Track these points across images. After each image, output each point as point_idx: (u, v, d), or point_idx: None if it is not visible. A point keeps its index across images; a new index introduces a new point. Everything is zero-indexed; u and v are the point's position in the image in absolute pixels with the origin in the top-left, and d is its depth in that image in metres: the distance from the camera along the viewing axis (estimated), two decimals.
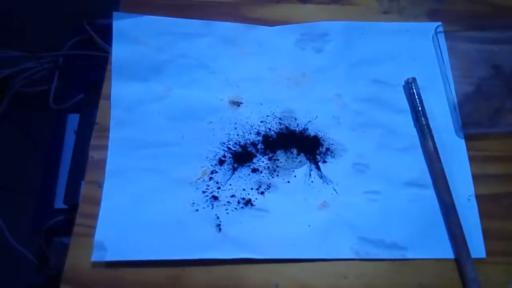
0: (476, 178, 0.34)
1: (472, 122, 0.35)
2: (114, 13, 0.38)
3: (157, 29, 0.38)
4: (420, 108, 0.36)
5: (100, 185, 0.35)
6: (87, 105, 0.86)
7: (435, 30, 0.38)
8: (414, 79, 0.36)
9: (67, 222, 0.85)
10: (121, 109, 0.36)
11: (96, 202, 0.34)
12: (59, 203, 0.87)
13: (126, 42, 0.38)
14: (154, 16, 0.39)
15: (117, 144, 0.36)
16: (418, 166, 0.35)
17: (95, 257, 0.32)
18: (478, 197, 0.34)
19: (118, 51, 0.37)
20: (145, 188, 0.34)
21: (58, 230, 0.89)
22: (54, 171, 0.91)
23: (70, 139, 0.92)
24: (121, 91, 0.37)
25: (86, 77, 0.93)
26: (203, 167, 0.35)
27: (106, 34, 1.03)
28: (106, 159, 0.35)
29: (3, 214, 1.08)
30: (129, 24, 0.38)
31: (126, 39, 0.38)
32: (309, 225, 0.33)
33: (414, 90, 0.36)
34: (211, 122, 0.37)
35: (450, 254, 0.32)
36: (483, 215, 0.33)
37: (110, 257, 0.32)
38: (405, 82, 0.37)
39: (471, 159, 0.35)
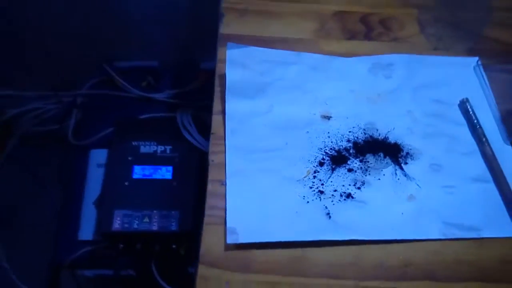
0: None
1: None
2: (228, 44, 0.46)
3: (260, 57, 0.47)
4: (475, 121, 0.45)
5: (222, 183, 0.41)
6: (116, 139, 0.91)
7: (476, 62, 0.49)
8: (467, 99, 0.46)
9: (93, 253, 0.87)
10: (234, 121, 0.43)
11: (220, 197, 0.40)
12: (85, 235, 0.89)
13: (236, 67, 0.45)
14: (257, 47, 0.47)
15: (233, 150, 0.42)
16: (479, 166, 0.44)
17: (230, 240, 0.37)
18: None
19: (231, 74, 0.45)
20: (262, 184, 0.41)
21: (81, 263, 0.90)
22: (77, 205, 0.93)
23: (93, 173, 0.96)
24: (233, 106, 0.44)
25: (107, 115, 0.99)
26: (307, 167, 0.42)
27: (126, 75, 1.10)
28: (225, 162, 0.42)
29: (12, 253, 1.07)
30: (240, 53, 0.46)
31: (236, 64, 0.46)
32: (402, 213, 0.40)
33: (469, 107, 0.46)
34: (308, 132, 0.44)
35: None
36: None
37: (241, 239, 0.37)
38: (460, 101, 0.47)
39: None
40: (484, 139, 0.44)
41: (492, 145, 0.44)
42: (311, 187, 0.41)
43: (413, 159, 0.44)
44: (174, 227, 0.80)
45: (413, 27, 0.52)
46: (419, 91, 0.48)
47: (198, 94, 1.01)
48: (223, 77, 0.46)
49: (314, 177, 0.42)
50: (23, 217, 1.10)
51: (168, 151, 0.88)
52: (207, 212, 0.40)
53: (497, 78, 0.48)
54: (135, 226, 0.80)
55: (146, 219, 0.81)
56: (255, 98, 0.45)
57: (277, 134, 0.44)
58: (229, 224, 0.38)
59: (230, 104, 0.44)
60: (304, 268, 0.38)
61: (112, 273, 0.89)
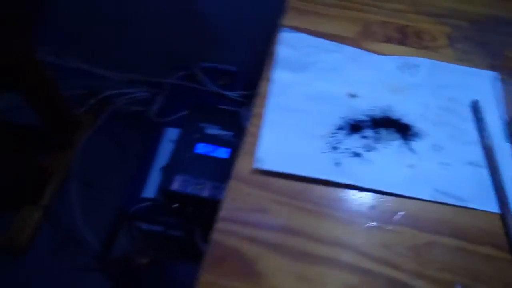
0: None
1: None
2: (284, 28, 0.59)
3: (308, 42, 0.59)
4: (481, 117, 0.52)
5: (259, 127, 0.52)
6: (188, 121, 1.07)
7: (494, 76, 0.57)
8: (478, 101, 0.54)
9: (151, 209, 1.02)
10: (277, 86, 0.55)
11: (255, 136, 0.51)
12: (148, 193, 1.05)
13: (287, 47, 0.58)
14: (306, 35, 0.60)
15: (272, 106, 0.54)
16: (476, 154, 0.51)
17: (256, 165, 0.49)
18: None
19: (282, 51, 0.58)
20: (289, 132, 0.52)
21: (140, 216, 1.05)
22: (146, 168, 1.10)
23: (166, 147, 1.13)
24: (279, 76, 0.56)
25: (188, 101, 1.16)
26: (327, 129, 0.53)
27: (207, 74, 1.28)
28: (264, 113, 0.53)
29: (87, 205, 1.26)
30: (292, 37, 0.59)
31: (287, 45, 0.58)
32: (400, 175, 0.49)
33: (479, 107, 0.53)
34: (335, 104, 0.55)
35: (497, 209, 0.47)
36: None
37: (265, 166, 0.49)
38: (471, 102, 0.55)
39: None
40: (486, 134, 0.51)
41: (494, 141, 0.51)
42: (327, 143, 0.51)
43: (419, 138, 0.52)
44: (222, 196, 0.92)
45: (443, 41, 0.61)
46: (437, 90, 0.56)
47: None
48: (274, 55, 0.58)
49: (333, 136, 0.52)
50: (104, 178, 1.29)
51: (229, 136, 1.03)
52: (244, 145, 0.51)
53: (511, 92, 0.56)
54: (189, 190, 0.94)
55: (200, 186, 0.95)
56: (298, 72, 0.57)
57: (309, 101, 0.55)
58: (258, 153, 0.50)
59: (277, 73, 0.56)
60: (309, 197, 0.48)
61: (162, 230, 1.04)
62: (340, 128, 0.53)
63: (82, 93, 1.42)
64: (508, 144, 0.52)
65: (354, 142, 0.52)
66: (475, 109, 0.54)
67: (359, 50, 0.59)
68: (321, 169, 0.49)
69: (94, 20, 1.29)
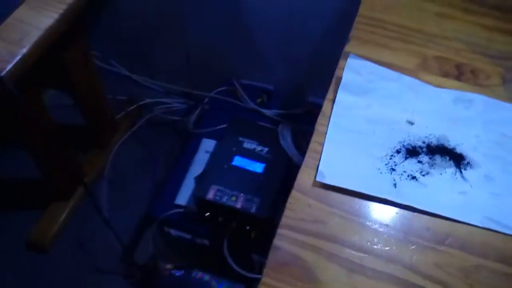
0: None
1: None
2: (351, 54, 0.63)
3: (370, 69, 0.63)
4: None
5: (321, 144, 0.56)
6: (227, 133, 1.11)
7: None
8: None
9: (182, 216, 1.05)
10: (340, 108, 0.59)
11: (317, 152, 0.55)
12: (181, 200, 1.08)
13: (352, 72, 0.62)
14: (371, 62, 0.63)
15: (334, 125, 0.57)
16: None
17: (318, 178, 0.52)
18: None
19: (347, 76, 0.62)
20: (350, 151, 0.55)
21: (170, 222, 1.08)
22: (180, 176, 1.13)
23: (201, 157, 1.16)
24: (342, 98, 0.60)
25: (223, 116, 1.20)
26: (386, 151, 0.56)
27: (247, 90, 1.33)
28: (326, 131, 0.57)
29: (119, 206, 1.29)
30: (357, 63, 0.63)
31: (352, 70, 0.62)
32: (452, 201, 0.52)
33: None
34: (393, 128, 0.58)
35: None
36: None
37: (327, 180, 0.52)
38: None
39: None
40: None
41: None
42: (386, 164, 0.54)
43: (472, 168, 0.55)
44: (253, 209, 0.95)
45: (497, 80, 0.64)
46: (489, 124, 0.59)
47: (299, 118, 1.19)
48: (339, 78, 0.62)
49: (390, 158, 0.55)
50: (134, 183, 1.33)
51: (265, 151, 1.06)
52: (306, 159, 0.55)
53: None
54: (224, 200, 0.97)
55: (233, 198, 0.98)
56: (359, 96, 0.60)
57: (369, 124, 0.58)
58: (320, 167, 0.53)
59: (340, 96, 0.60)
60: (366, 214, 0.51)
61: (190, 238, 1.06)
62: (398, 152, 0.56)
63: (122, 99, 1.47)
64: None
65: (411, 165, 0.55)
66: None
67: (417, 81, 0.63)
68: (379, 188, 0.52)
69: (141, 29, 1.35)
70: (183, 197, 1.08)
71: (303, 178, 0.53)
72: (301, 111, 1.24)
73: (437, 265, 0.47)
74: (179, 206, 1.06)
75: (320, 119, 0.59)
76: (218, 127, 1.20)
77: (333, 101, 0.60)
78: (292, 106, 1.24)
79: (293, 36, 1.20)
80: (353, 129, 0.57)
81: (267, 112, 1.24)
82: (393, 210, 0.51)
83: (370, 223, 0.50)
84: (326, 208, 0.51)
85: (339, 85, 0.61)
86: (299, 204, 0.51)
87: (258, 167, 1.03)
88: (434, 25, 0.70)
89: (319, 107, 0.60)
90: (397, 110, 0.60)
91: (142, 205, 1.29)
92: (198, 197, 1.00)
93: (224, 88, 1.31)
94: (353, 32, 0.69)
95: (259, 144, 1.07)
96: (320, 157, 0.54)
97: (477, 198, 0.52)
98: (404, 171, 0.54)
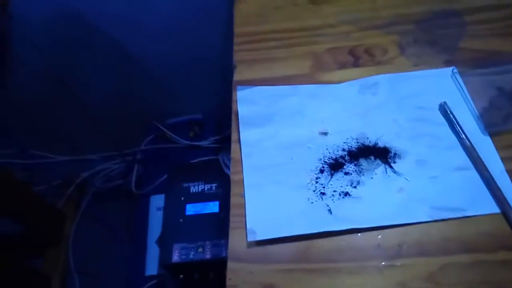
0: (502, 159, 0.49)
1: (492, 124, 0.51)
2: (238, 86, 0.58)
3: (264, 93, 0.58)
4: (454, 119, 0.52)
5: (242, 195, 0.51)
6: (170, 184, 1.04)
7: (452, 71, 0.56)
8: (445, 102, 0.54)
9: (160, 284, 0.98)
10: (249, 146, 0.54)
11: (241, 206, 0.50)
12: (150, 270, 1.02)
13: (246, 104, 0.57)
14: (261, 86, 0.58)
15: (249, 168, 0.52)
16: (460, 157, 0.50)
17: (250, 238, 0.47)
18: (507, 171, 0.48)
19: (242, 110, 0.56)
20: (274, 192, 0.50)
21: None
22: (142, 244, 1.06)
23: (154, 216, 1.10)
24: (247, 135, 0.55)
25: (163, 165, 1.14)
26: (309, 175, 0.51)
27: (175, 129, 1.26)
28: (243, 179, 0.52)
29: None
30: (247, 92, 0.58)
31: (246, 101, 0.57)
32: (393, 203, 0.48)
33: (447, 109, 0.53)
34: (309, 147, 0.53)
35: (497, 210, 0.46)
36: None
37: (259, 237, 0.47)
38: (439, 105, 0.54)
39: (496, 147, 0.50)
40: (462, 134, 0.51)
41: (471, 138, 0.51)
42: (314, 191, 0.50)
43: (400, 158, 0.51)
44: (225, 253, 0.90)
45: (394, 51, 0.61)
46: (402, 102, 0.56)
47: None
48: (237, 114, 0.57)
49: (316, 182, 0.51)
50: (103, 265, 1.25)
51: (214, 188, 1.00)
52: (232, 219, 0.50)
53: (472, 82, 0.55)
54: (191, 256, 0.91)
55: (200, 249, 0.92)
56: (263, 126, 0.55)
57: (283, 152, 0.53)
58: (249, 225, 0.48)
59: (244, 133, 0.55)
60: (311, 255, 0.46)
61: None
62: (321, 171, 0.52)
63: (58, 184, 1.38)
64: (487, 137, 0.51)
65: (339, 181, 0.50)
66: (444, 111, 0.53)
67: (315, 86, 0.59)
68: (316, 222, 0.47)
69: (42, 109, 1.26)
70: (152, 266, 1.02)
71: (235, 243, 0.48)
72: None
73: (401, 284, 0.43)
74: (151, 278, 1.00)
75: (233, 168, 0.54)
76: (161, 179, 1.13)
77: (239, 141, 0.55)
78: (226, 127, 1.19)
79: (200, 58, 1.14)
80: (269, 164, 0.53)
81: (204, 143, 1.18)
82: (338, 240, 0.47)
83: (320, 265, 0.45)
84: (270, 267, 0.46)
85: (239, 122, 0.56)
86: (240, 275, 0.46)
87: (213, 207, 0.98)
88: (313, 15, 0.66)
89: None
90: (305, 126, 0.55)
91: (120, 286, 1.22)
92: (164, 264, 0.93)
93: (152, 136, 1.24)
94: (236, 56, 0.64)
95: (206, 183, 1.02)
96: (245, 212, 0.49)
97: (417, 190, 0.49)
98: (335, 191, 0.50)
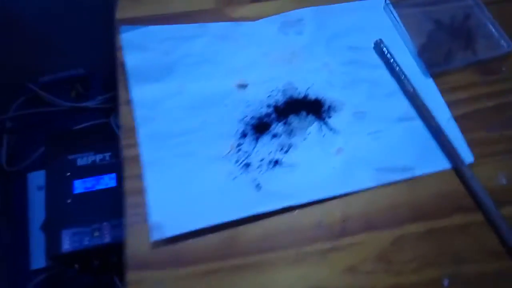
0: (448, 104, 0.42)
1: (433, 64, 0.44)
2: (122, 27, 0.42)
3: (160, 35, 0.43)
4: (393, 60, 0.44)
5: (140, 177, 0.37)
6: (50, 157, 0.85)
7: (385, 1, 0.47)
8: (381, 40, 0.45)
9: (50, 279, 0.82)
10: (144, 108, 0.40)
11: (140, 192, 0.37)
12: (37, 263, 0.84)
13: (135, 51, 0.42)
14: (156, 26, 0.44)
15: (147, 139, 0.39)
16: (402, 105, 0.42)
17: (155, 236, 0.34)
18: (455, 118, 0.42)
19: (130, 59, 0.41)
20: (183, 170, 0.38)
21: None
22: (23, 233, 0.88)
23: (34, 196, 0.91)
24: (140, 93, 0.41)
25: (41, 133, 0.93)
26: (229, 142, 0.40)
27: (51, 88, 1.04)
28: (140, 154, 0.38)
29: None
30: (136, 35, 0.43)
31: (135, 47, 0.42)
32: (333, 168, 0.39)
33: (384, 48, 0.44)
34: (226, 105, 0.41)
35: (448, 165, 0.39)
36: (461, 130, 0.41)
37: (168, 233, 0.35)
38: (374, 43, 0.45)
39: (440, 91, 0.43)
40: (403, 77, 0.43)
41: (413, 81, 0.43)
42: (236, 161, 0.39)
43: (336, 111, 0.42)
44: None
45: None
46: (332, 41, 0.46)
47: None
48: (123, 66, 0.42)
49: (239, 150, 0.39)
50: None
51: (107, 157, 0.84)
52: (128, 211, 0.36)
53: (408, 14, 0.47)
54: (86, 242, 0.76)
55: (97, 233, 0.77)
56: (162, 80, 0.41)
57: (193, 114, 0.41)
58: (152, 218, 0.35)
59: (136, 91, 0.40)
60: (237, 248, 0.35)
61: None
62: (244, 135, 0.40)
63: None
64: (429, 79, 0.44)
65: (266, 147, 0.40)
66: (381, 50, 0.45)
67: (226, 24, 0.45)
68: (241, 203, 0.36)
69: None
70: (38, 257, 0.84)
71: (135, 244, 0.35)
72: None
73: (350, 269, 0.35)
74: (38, 272, 0.83)
75: (124, 139, 0.39)
76: (39, 152, 0.93)
77: (131, 102, 0.41)
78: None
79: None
80: (174, 132, 0.40)
81: (90, 104, 0.99)
82: (271, 223, 0.37)
83: (249, 258, 0.35)
84: (186, 271, 0.34)
85: (127, 76, 0.41)
86: (146, 287, 0.34)
87: (108, 181, 0.81)
88: None
89: None
90: (218, 77, 0.43)
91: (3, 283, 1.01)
92: (52, 255, 0.77)
93: (22, 99, 1.00)
94: None
95: (97, 153, 0.84)
96: (146, 200, 0.36)
97: (357, 149, 0.40)
98: (262, 159, 0.39)
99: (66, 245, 0.75)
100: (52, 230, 0.77)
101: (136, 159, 0.38)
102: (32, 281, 0.81)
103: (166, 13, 0.46)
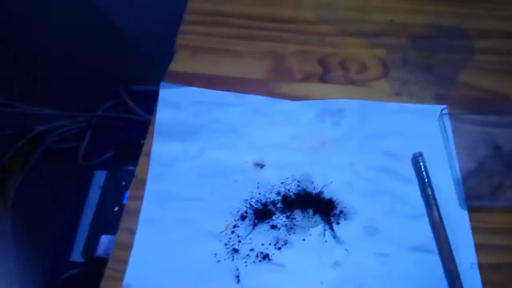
0: (478, 247, 0.37)
1: (475, 196, 0.38)
2: (162, 83, 0.45)
3: (195, 97, 0.45)
4: (426, 180, 0.39)
5: (133, 233, 0.38)
6: (115, 162, 0.92)
7: (441, 111, 0.43)
8: (421, 154, 0.41)
9: (82, 275, 0.88)
10: (159, 164, 0.41)
11: (128, 248, 0.38)
12: (76, 256, 0.91)
13: (169, 107, 0.44)
14: (194, 87, 0.45)
15: (152, 196, 0.40)
16: (424, 233, 0.38)
17: None
18: (480, 266, 0.36)
19: (162, 115, 0.43)
20: (174, 237, 0.38)
21: (73, 284, 0.91)
22: (75, 224, 0.95)
23: (95, 194, 0.98)
24: (160, 148, 0.42)
25: (116, 137, 1.01)
26: (227, 221, 0.39)
27: (141, 99, 1.12)
28: (140, 210, 0.40)
29: (19, 262, 1.11)
30: (173, 93, 0.44)
31: (169, 105, 0.44)
32: (321, 282, 0.36)
33: (421, 163, 0.40)
34: (236, 180, 0.41)
35: None
36: (484, 282, 0.35)
37: None
38: (413, 156, 0.41)
39: (474, 229, 0.38)
40: (432, 202, 0.38)
41: (445, 209, 0.38)
42: (226, 244, 0.38)
43: (346, 218, 0.39)
44: None
45: (375, 70, 0.47)
46: (368, 141, 0.43)
47: None
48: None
49: (233, 232, 0.38)
50: (39, 232, 1.15)
51: None
52: (110, 264, 0.37)
53: (464, 131, 0.42)
54: None
55: None
56: (185, 141, 0.43)
57: (203, 181, 0.41)
58: (126, 279, 0.36)
59: (157, 146, 0.42)
60: None
61: None
62: (243, 218, 0.39)
63: (10, 134, 1.26)
64: (464, 212, 0.39)
65: (261, 236, 0.38)
66: (417, 166, 0.41)
67: (265, 98, 0.45)
68: None
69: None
70: (78, 252, 0.91)
71: None
72: None
73: None
74: (74, 265, 0.89)
75: (132, 191, 0.41)
76: (108, 155, 1.01)
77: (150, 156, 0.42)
78: None
79: None
80: (180, 195, 0.40)
81: None
82: None
83: None
84: None
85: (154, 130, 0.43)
86: None
87: None
88: (287, 3, 0.52)
89: None
90: (239, 150, 0.42)
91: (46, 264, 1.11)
92: (87, 255, 0.82)
93: (112, 102, 1.10)
94: (180, 39, 0.50)
95: None
96: (129, 259, 0.37)
97: (356, 268, 0.36)
98: (252, 250, 0.38)
99: (101, 250, 0.80)
100: (94, 231, 0.83)
101: (136, 213, 0.40)
102: (67, 272, 0.87)
103: (213, 74, 0.47)
